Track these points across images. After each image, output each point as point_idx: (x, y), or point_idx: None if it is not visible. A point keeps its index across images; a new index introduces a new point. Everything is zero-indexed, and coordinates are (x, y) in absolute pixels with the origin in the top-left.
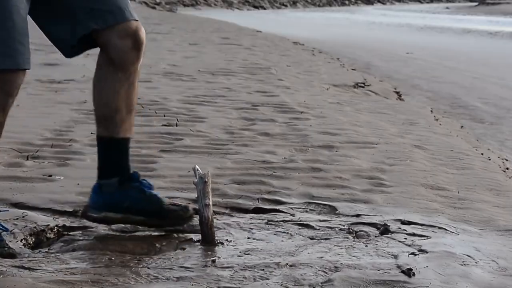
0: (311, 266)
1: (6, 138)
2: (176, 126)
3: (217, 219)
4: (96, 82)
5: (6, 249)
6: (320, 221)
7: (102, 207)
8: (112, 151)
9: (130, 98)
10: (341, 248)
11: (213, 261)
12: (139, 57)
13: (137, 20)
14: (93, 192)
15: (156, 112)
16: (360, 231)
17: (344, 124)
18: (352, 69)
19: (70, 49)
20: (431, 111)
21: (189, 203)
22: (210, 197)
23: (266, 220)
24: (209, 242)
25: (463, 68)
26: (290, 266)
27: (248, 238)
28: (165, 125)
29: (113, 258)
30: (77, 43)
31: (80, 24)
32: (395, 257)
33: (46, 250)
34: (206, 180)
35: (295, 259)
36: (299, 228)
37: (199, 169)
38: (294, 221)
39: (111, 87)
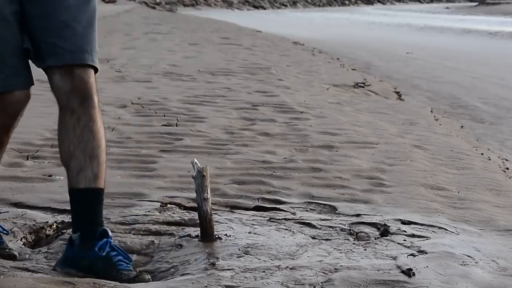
0: (311, 268)
1: None
2: (176, 126)
3: (219, 215)
4: (58, 132)
5: (7, 250)
6: (322, 219)
7: (66, 263)
8: (75, 204)
9: (87, 144)
10: (341, 252)
11: (213, 264)
12: (83, 102)
13: (88, 65)
14: (67, 244)
15: (156, 112)
16: (360, 232)
17: (344, 124)
18: (352, 69)
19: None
20: (431, 111)
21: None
22: (208, 191)
23: (268, 218)
24: (208, 236)
25: (463, 68)
26: (291, 269)
27: (249, 232)
28: (165, 125)
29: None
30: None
31: (40, 57)
32: (395, 258)
33: (46, 249)
34: (204, 174)
35: (295, 262)
36: (301, 226)
37: (197, 162)
38: (295, 219)
39: (66, 133)
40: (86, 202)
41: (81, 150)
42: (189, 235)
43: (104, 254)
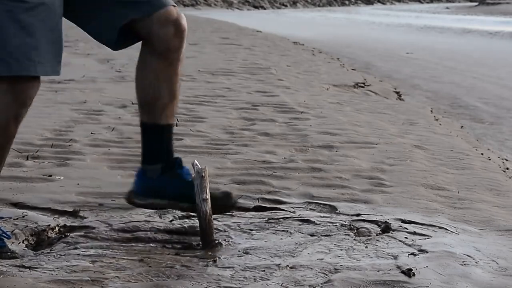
0: (311, 268)
1: None
2: (176, 126)
3: (218, 221)
4: (138, 71)
5: (9, 254)
6: (321, 216)
7: (148, 194)
8: (155, 137)
9: (172, 86)
10: (341, 250)
11: (214, 261)
12: (182, 44)
13: (175, 6)
14: (137, 177)
15: None
16: (361, 227)
17: (344, 124)
18: (352, 69)
19: (114, 43)
20: (431, 111)
21: (228, 190)
22: (207, 191)
23: (266, 219)
24: (207, 236)
25: (463, 68)
26: (291, 268)
27: (246, 238)
28: None
29: (114, 258)
30: (118, 36)
31: (118, 16)
32: (395, 257)
33: (48, 250)
34: (203, 174)
35: (295, 261)
36: (299, 224)
37: (197, 164)
38: (294, 217)
39: (153, 74)
40: (168, 135)
41: (168, 92)
42: (190, 245)
43: (190, 179)
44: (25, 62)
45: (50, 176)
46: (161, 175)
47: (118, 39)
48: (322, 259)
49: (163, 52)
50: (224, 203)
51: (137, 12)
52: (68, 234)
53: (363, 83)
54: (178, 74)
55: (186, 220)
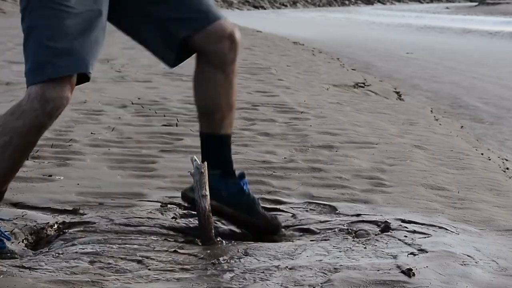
0: (310, 268)
1: None
2: (176, 126)
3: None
4: (196, 83)
5: (8, 254)
6: (321, 222)
7: None
8: (214, 146)
9: (229, 97)
10: (340, 251)
11: (213, 264)
12: (236, 57)
13: (225, 19)
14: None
15: (156, 112)
16: (360, 229)
17: (344, 124)
18: (352, 69)
19: (173, 60)
20: (431, 111)
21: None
22: (206, 187)
23: None
24: (206, 232)
25: (463, 68)
26: (290, 269)
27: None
28: (165, 125)
29: (113, 258)
30: (175, 53)
31: (173, 34)
32: (395, 257)
33: (47, 249)
34: (203, 170)
35: (295, 262)
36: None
37: (197, 159)
38: (295, 219)
39: (211, 87)
40: (226, 144)
41: (225, 103)
42: (191, 238)
43: (247, 191)
44: (61, 65)
45: (50, 176)
46: (219, 178)
47: (175, 56)
48: (321, 260)
49: (219, 65)
50: (270, 230)
51: (191, 28)
52: (67, 230)
53: (363, 83)
54: (234, 85)
55: (189, 218)
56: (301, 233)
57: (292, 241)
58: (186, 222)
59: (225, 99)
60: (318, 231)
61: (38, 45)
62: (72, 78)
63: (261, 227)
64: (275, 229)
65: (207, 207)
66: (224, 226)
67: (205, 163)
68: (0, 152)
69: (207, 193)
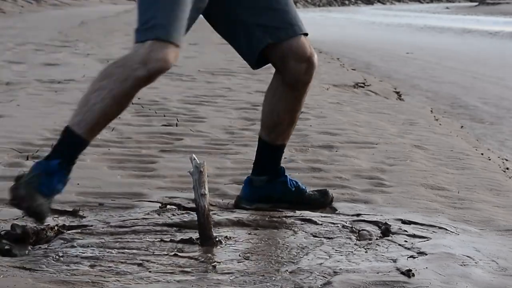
0: (310, 272)
1: (6, 138)
2: (176, 126)
3: (218, 215)
4: (268, 94)
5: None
6: (322, 216)
7: (253, 199)
8: (268, 154)
9: (294, 113)
10: (341, 255)
11: (214, 266)
12: (310, 80)
13: (306, 34)
14: (245, 184)
15: (156, 112)
16: (362, 230)
17: (344, 124)
18: (352, 69)
19: (255, 62)
20: (431, 111)
21: (326, 189)
22: (206, 186)
23: (267, 218)
24: (205, 231)
25: (463, 68)
26: (290, 272)
27: (249, 234)
28: (165, 125)
29: (114, 260)
30: (257, 56)
31: (258, 40)
32: (395, 261)
33: (46, 246)
34: (202, 169)
35: (295, 266)
36: (302, 224)
37: (196, 158)
38: (296, 216)
39: (281, 104)
40: (279, 153)
41: (289, 118)
42: (190, 238)
43: (291, 185)
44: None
45: None
46: (266, 184)
47: (257, 60)
48: (321, 263)
49: (293, 85)
50: (322, 203)
51: (274, 37)
52: (65, 231)
53: (363, 83)
54: (302, 103)
55: (185, 215)
56: (302, 223)
57: (295, 232)
58: (180, 218)
59: (290, 116)
60: (321, 223)
61: (152, 5)
62: (177, 47)
63: (317, 208)
64: (330, 202)
65: (206, 206)
66: (226, 227)
67: (204, 162)
68: (95, 96)
69: (206, 192)
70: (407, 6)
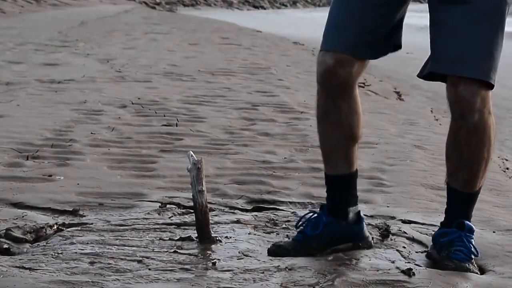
0: (310, 269)
1: (6, 138)
2: (176, 126)
3: (219, 216)
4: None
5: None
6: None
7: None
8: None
9: (463, 155)
10: (341, 253)
11: (214, 263)
12: (464, 125)
13: (471, 79)
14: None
15: (156, 112)
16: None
17: None
18: None
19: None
20: (431, 111)
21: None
22: (203, 183)
23: (268, 218)
24: (203, 228)
25: None
26: (289, 270)
27: (249, 234)
28: (165, 125)
29: (113, 257)
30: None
31: (425, 64)
32: (394, 261)
33: (45, 243)
34: (200, 166)
35: (294, 264)
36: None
37: (193, 155)
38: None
39: (448, 137)
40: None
41: (475, 162)
42: (189, 237)
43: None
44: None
45: (50, 176)
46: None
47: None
48: (321, 261)
49: (455, 119)
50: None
51: (435, 67)
52: (64, 228)
53: (363, 83)
54: (472, 145)
55: (185, 214)
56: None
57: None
58: (180, 218)
59: (470, 158)
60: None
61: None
62: (339, 54)
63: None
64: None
65: (204, 202)
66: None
67: (202, 158)
68: None
69: (204, 188)
70: None
